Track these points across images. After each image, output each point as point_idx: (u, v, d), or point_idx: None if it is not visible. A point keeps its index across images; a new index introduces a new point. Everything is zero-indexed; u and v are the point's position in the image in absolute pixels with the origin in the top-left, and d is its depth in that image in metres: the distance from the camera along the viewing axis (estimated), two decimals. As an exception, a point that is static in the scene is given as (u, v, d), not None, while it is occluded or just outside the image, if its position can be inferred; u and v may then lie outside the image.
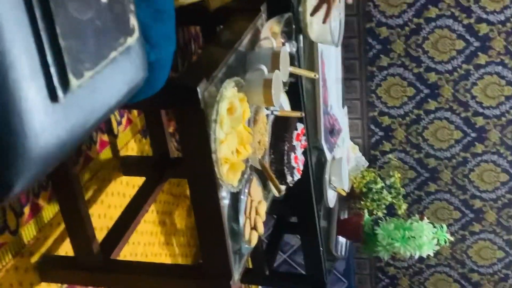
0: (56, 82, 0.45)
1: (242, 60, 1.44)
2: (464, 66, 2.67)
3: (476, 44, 2.61)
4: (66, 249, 1.63)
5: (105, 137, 1.85)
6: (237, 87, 1.29)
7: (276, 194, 1.58)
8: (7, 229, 1.43)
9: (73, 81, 0.45)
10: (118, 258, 1.67)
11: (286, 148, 1.58)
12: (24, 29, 0.42)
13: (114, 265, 1.53)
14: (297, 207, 2.18)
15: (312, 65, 2.00)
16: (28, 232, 1.51)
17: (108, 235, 1.63)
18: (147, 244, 2.17)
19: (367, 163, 2.84)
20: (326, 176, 2.19)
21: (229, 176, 1.29)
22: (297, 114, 1.61)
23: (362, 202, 2.60)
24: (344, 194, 2.38)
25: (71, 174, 1.41)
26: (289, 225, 2.77)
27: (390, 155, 2.93)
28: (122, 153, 1.96)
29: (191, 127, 1.22)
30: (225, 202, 1.36)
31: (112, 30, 0.47)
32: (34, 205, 1.53)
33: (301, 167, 1.68)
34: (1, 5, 0.40)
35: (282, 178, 1.61)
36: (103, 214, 1.84)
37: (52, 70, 0.44)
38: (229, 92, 1.25)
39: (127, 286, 1.53)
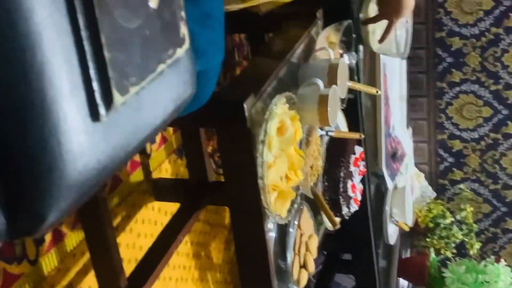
0: (99, 99, 0.45)
1: (294, 73, 1.44)
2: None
3: None
4: (90, 282, 1.64)
5: (137, 157, 1.87)
6: (288, 104, 1.29)
7: (330, 227, 1.57)
8: (26, 258, 1.45)
9: (117, 98, 0.45)
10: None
11: (342, 174, 1.57)
12: (65, 39, 0.42)
13: (143, 303, 1.54)
14: (351, 242, 2.16)
15: (373, 80, 1.99)
16: (49, 262, 1.53)
17: (137, 268, 1.63)
18: (179, 280, 2.18)
19: (434, 194, 2.80)
20: (387, 208, 2.16)
21: (277, 205, 1.28)
22: (355, 135, 1.59)
23: (427, 240, 2.57)
24: (407, 229, 2.34)
25: (99, 198, 1.43)
26: (342, 263, 2.73)
27: (461, 185, 2.88)
28: (155, 175, 1.97)
29: (235, 148, 1.22)
30: (271, 235, 1.35)
31: (161, 40, 0.47)
32: (57, 232, 1.55)
33: (359, 197, 1.67)
34: (40, 11, 0.41)
35: (337, 209, 1.59)
36: (132, 244, 1.85)
37: (95, 85, 0.44)
38: (280, 109, 1.24)
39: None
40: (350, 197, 1.60)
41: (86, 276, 1.64)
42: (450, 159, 2.90)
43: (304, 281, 1.46)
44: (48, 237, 1.52)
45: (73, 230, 1.59)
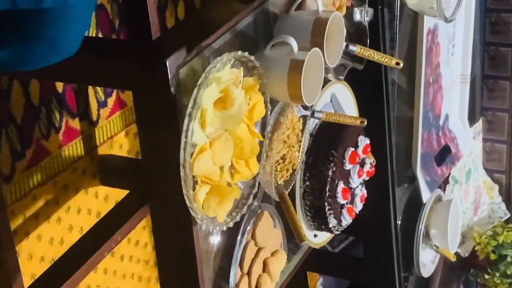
0: None
1: (268, 28, 1.44)
2: None
3: None
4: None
5: (76, 123, 1.89)
6: (243, 67, 1.28)
7: (302, 242, 1.56)
8: None
9: None
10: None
11: (331, 173, 1.56)
12: None
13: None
14: (375, 272, 2.17)
15: (413, 49, 1.97)
16: None
17: (48, 271, 1.65)
18: (131, 279, 2.20)
19: (508, 215, 2.76)
20: (421, 227, 2.14)
21: (210, 204, 1.27)
22: (356, 120, 1.57)
23: (486, 276, 2.53)
24: (452, 259, 2.32)
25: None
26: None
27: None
28: (103, 151, 2.00)
29: (155, 121, 1.23)
30: (211, 243, 1.37)
31: None
32: None
33: (359, 206, 1.66)
34: None
35: (321, 220, 1.60)
36: (59, 239, 1.88)
37: None
38: (224, 73, 1.23)
39: None
40: (341, 206, 1.59)
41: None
42: (537, 168, 2.85)
43: (254, 313, 1.46)
44: None
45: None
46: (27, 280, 1.59)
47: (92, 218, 1.97)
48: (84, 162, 1.93)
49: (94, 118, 1.95)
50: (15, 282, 1.52)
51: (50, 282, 1.63)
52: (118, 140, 2.04)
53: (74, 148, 1.90)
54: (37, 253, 1.81)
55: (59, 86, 1.82)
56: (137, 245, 2.18)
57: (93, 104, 1.94)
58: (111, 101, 2.00)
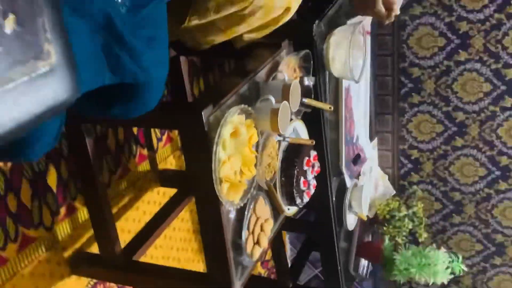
0: None
1: (257, 90, 1.41)
2: (491, 107, 2.53)
3: (503, 87, 2.47)
4: (94, 249, 1.65)
5: (144, 151, 1.88)
6: (244, 114, 1.27)
7: (283, 213, 1.54)
8: (42, 225, 1.46)
9: None
10: (143, 260, 1.67)
11: (295, 172, 1.53)
12: None
13: (133, 266, 1.53)
14: (319, 227, 2.13)
15: (337, 98, 1.95)
16: (63, 229, 1.54)
17: (134, 238, 1.63)
18: (180, 250, 2.17)
19: (394, 192, 2.72)
20: (346, 201, 2.11)
21: (230, 194, 1.26)
22: (308, 142, 1.56)
23: (384, 228, 2.49)
24: (364, 219, 2.28)
25: (98, 182, 1.43)
26: (316, 243, 2.69)
27: (415, 187, 2.81)
28: (162, 166, 1.97)
29: (195, 147, 1.20)
30: (230, 217, 1.34)
31: (18, 54, 0.45)
32: (70, 206, 1.56)
33: (312, 191, 1.63)
34: None
35: (291, 200, 1.56)
36: (138, 219, 1.86)
37: None
38: (234, 118, 1.22)
39: (143, 285, 1.52)
40: (302, 191, 1.57)
41: (94, 243, 1.65)
42: (409, 165, 2.83)
43: (256, 254, 1.42)
44: (62, 210, 1.53)
45: (84, 206, 1.59)
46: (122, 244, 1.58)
47: (156, 206, 1.95)
48: (151, 173, 1.92)
49: (155, 147, 1.94)
50: (117, 245, 1.51)
51: (136, 244, 1.62)
52: (169, 160, 2.02)
53: (145, 165, 1.89)
54: (126, 228, 1.79)
55: (135, 129, 1.81)
56: (182, 221, 2.16)
57: (154, 139, 1.93)
58: (164, 137, 1.99)
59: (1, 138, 0.44)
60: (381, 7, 1.69)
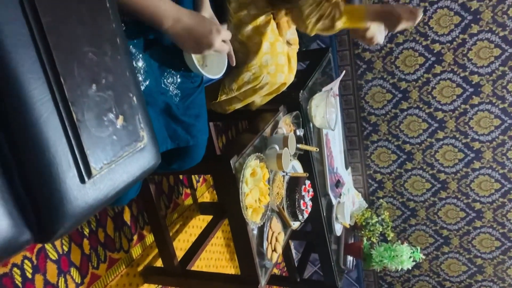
0: (83, 171, 0.49)
1: (265, 141, 1.46)
2: (429, 139, 2.57)
3: (436, 124, 2.52)
4: (159, 263, 1.66)
5: (188, 190, 1.91)
6: (258, 159, 1.32)
7: (290, 227, 1.56)
8: (122, 249, 1.49)
9: (94, 171, 0.49)
10: (193, 269, 1.68)
11: (297, 197, 1.56)
12: (63, 147, 0.46)
13: (188, 273, 1.54)
14: (316, 235, 2.13)
15: (320, 142, 1.99)
16: (136, 251, 1.57)
17: (186, 253, 1.65)
18: (217, 259, 2.17)
19: (366, 205, 2.71)
20: (333, 215, 2.12)
21: (253, 216, 1.29)
22: (303, 174, 1.60)
23: (362, 232, 2.48)
24: (347, 226, 2.29)
25: (159, 215, 1.46)
26: (314, 247, 2.67)
27: (381, 200, 2.81)
28: (200, 200, 2.00)
29: (226, 185, 1.24)
30: (254, 232, 1.36)
31: (125, 140, 0.51)
32: (140, 234, 1.59)
33: (309, 209, 1.64)
34: (48, 133, 0.43)
35: (295, 217, 1.58)
36: (186, 239, 1.87)
37: (81, 164, 0.48)
38: (252, 162, 1.27)
39: (195, 287, 1.53)
40: (302, 210, 1.59)
41: (159, 259, 1.67)
42: (375, 185, 2.84)
43: (274, 258, 1.44)
44: (135, 237, 1.56)
45: (150, 233, 1.62)
46: (178, 258, 1.59)
47: (198, 229, 1.96)
48: (193, 206, 1.94)
49: (195, 187, 1.97)
50: (175, 259, 1.52)
51: (188, 258, 1.62)
52: (205, 195, 2.05)
53: (188, 201, 1.91)
54: (179, 247, 1.80)
55: (181, 176, 1.85)
56: (217, 238, 2.16)
57: (194, 182, 1.96)
58: (201, 179, 2.02)
59: (117, 194, 0.50)
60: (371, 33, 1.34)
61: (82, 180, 0.48)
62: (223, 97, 1.38)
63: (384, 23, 1.21)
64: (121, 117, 0.49)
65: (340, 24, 1.21)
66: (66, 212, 0.47)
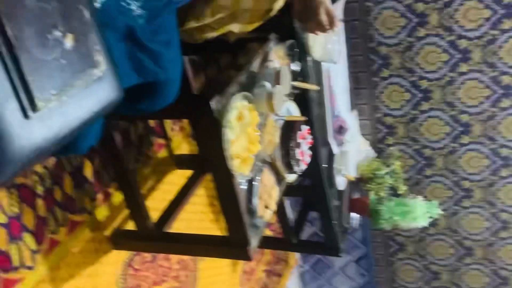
0: (26, 105, 0.47)
1: (253, 78, 1.42)
2: (450, 74, 2.57)
3: (458, 56, 2.50)
4: (132, 225, 1.68)
5: (162, 141, 1.91)
6: (246, 99, 1.30)
7: (285, 180, 1.58)
8: (85, 210, 1.50)
9: (40, 104, 0.47)
10: (172, 231, 1.70)
11: (292, 145, 1.57)
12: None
13: (166, 236, 1.57)
14: (314, 190, 2.17)
15: (319, 78, 1.97)
16: (101, 212, 1.58)
17: (163, 214, 1.67)
18: (199, 221, 2.21)
19: (375, 154, 2.77)
20: (335, 165, 2.15)
21: (240, 168, 1.29)
22: (301, 118, 1.59)
23: (368, 185, 2.54)
24: (352, 179, 2.34)
25: (128, 169, 1.46)
26: (313, 204, 2.74)
27: (392, 148, 2.85)
28: (177, 152, 2.00)
29: (208, 132, 1.22)
30: (243, 187, 1.37)
31: (77, 65, 0.49)
32: (106, 193, 1.59)
33: (307, 159, 1.66)
34: None
35: (290, 168, 1.60)
36: (162, 198, 1.88)
37: (22, 96, 0.46)
38: (238, 104, 1.25)
39: (174, 251, 1.57)
40: (298, 160, 1.60)
41: (128, 221, 1.68)
42: (385, 130, 2.87)
43: (267, 216, 1.47)
44: (99, 196, 1.56)
45: (118, 191, 1.63)
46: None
47: (175, 186, 1.93)
48: (167, 158, 1.94)
49: (170, 136, 1.96)
50: (149, 220, 1.54)
51: (164, 219, 1.65)
52: (183, 146, 2.05)
53: (163, 152, 1.91)
54: (154, 206, 1.80)
55: (152, 122, 1.83)
56: (198, 197, 2.18)
57: (169, 130, 1.95)
58: (176, 127, 2.01)
59: (71, 134, 0.48)
60: (323, 17, 1.41)
61: (26, 115, 0.47)
62: (193, 23, 1.33)
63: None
64: (70, 35, 0.46)
65: None
66: (7, 153, 0.45)
